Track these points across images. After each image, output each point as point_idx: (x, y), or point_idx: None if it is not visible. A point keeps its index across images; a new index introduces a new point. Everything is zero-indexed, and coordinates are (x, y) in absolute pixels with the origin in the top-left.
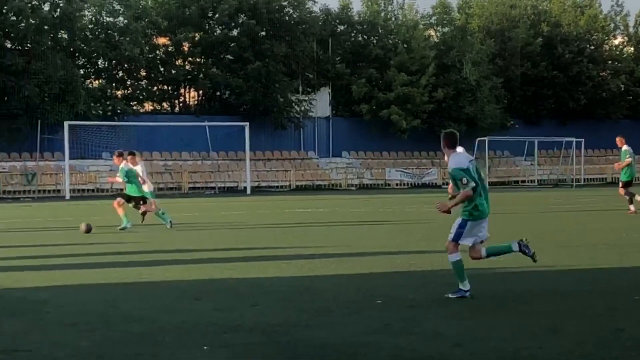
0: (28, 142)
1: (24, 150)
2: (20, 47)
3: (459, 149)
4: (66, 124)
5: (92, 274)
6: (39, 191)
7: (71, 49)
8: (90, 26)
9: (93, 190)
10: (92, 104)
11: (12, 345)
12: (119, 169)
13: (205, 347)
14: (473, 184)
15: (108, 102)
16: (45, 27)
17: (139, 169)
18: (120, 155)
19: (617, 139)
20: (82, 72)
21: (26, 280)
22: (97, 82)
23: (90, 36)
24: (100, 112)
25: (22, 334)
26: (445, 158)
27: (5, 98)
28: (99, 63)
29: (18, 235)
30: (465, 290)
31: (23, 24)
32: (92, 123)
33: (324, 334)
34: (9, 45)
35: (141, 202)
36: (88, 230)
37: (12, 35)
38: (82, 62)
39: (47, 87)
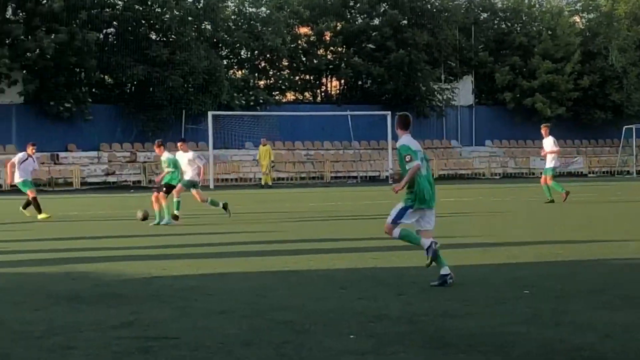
0: (172, 132)
1: (168, 140)
2: (164, 39)
3: (410, 137)
4: (210, 114)
5: (238, 263)
6: None
7: (214, 40)
8: (233, 17)
9: (236, 180)
10: (235, 94)
11: (161, 332)
12: (166, 159)
13: (351, 336)
14: (417, 162)
15: (251, 92)
16: (189, 18)
17: (190, 155)
18: (161, 145)
19: None
20: (225, 63)
21: (174, 269)
22: (240, 72)
23: (233, 27)
24: (243, 102)
25: (170, 321)
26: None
27: (151, 89)
28: (242, 53)
29: (163, 224)
30: (445, 275)
31: (167, 16)
32: (235, 113)
33: (471, 324)
34: (153, 37)
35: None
36: (145, 217)
37: (156, 26)
38: (225, 52)
39: (191, 77)
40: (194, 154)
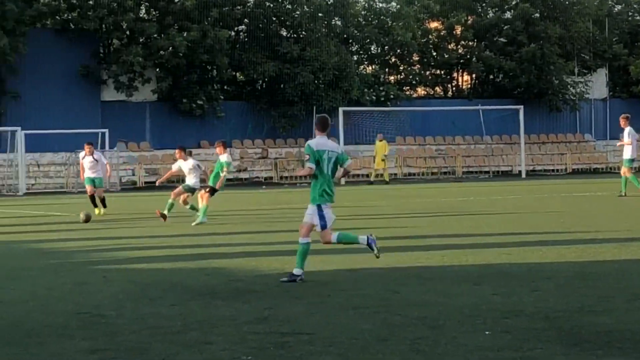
0: (303, 128)
1: (299, 136)
2: (295, 35)
3: (322, 137)
4: (341, 110)
5: (371, 259)
6: None
7: (344, 36)
8: (363, 12)
9: (367, 175)
10: (365, 90)
11: (295, 328)
12: (223, 162)
13: (487, 332)
14: (311, 165)
15: (381, 88)
16: (320, 14)
17: (190, 163)
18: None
19: None
20: (355, 58)
21: (306, 264)
22: (370, 67)
23: (363, 22)
24: (374, 97)
25: (304, 317)
26: None
27: (282, 85)
28: (372, 49)
29: (295, 220)
30: (297, 275)
31: (298, 12)
32: (365, 109)
33: (608, 321)
34: (284, 33)
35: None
36: (87, 219)
37: (287, 23)
38: (355, 48)
39: (322, 73)
40: (194, 162)
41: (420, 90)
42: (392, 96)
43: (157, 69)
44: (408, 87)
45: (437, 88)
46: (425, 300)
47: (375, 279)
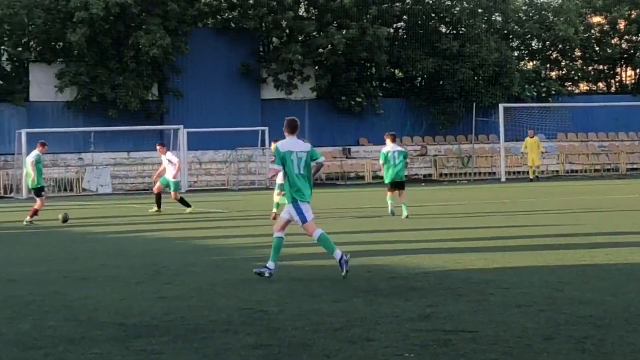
0: (463, 125)
1: (458, 133)
2: (454, 31)
3: (292, 138)
4: (501, 106)
5: (533, 256)
6: (474, 173)
7: (504, 31)
8: (523, 7)
9: (527, 173)
10: (526, 86)
11: (458, 326)
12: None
13: None
14: (275, 166)
15: (542, 84)
16: (479, 10)
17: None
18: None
19: None
20: (515, 54)
21: (468, 262)
22: (530, 63)
23: (523, 17)
24: (534, 93)
25: (467, 315)
26: None
27: (441, 82)
28: (533, 44)
29: (457, 217)
30: (270, 269)
31: (457, 8)
32: (526, 105)
33: None
34: (443, 30)
35: None
36: (64, 220)
37: (446, 19)
38: (515, 44)
39: (481, 70)
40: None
41: (583, 86)
42: (553, 92)
43: (316, 67)
44: (570, 83)
45: (599, 83)
46: (590, 299)
47: (538, 277)
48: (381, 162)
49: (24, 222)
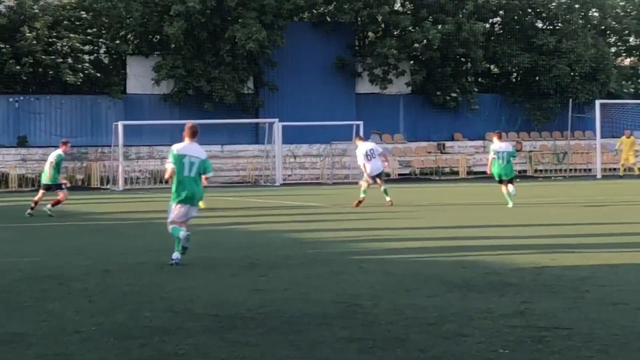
0: (558, 121)
1: (554, 129)
2: (550, 27)
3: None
4: (597, 102)
5: (630, 254)
6: (570, 170)
7: (602, 27)
8: (621, 3)
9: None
10: (623, 82)
11: (553, 323)
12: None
13: None
14: (169, 165)
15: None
16: (576, 5)
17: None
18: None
19: None
20: (612, 50)
21: (564, 259)
22: (628, 60)
23: (621, 13)
24: (632, 90)
25: (562, 312)
26: None
27: (537, 77)
28: (630, 40)
29: (550, 214)
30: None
31: (554, 4)
32: (622, 101)
33: None
34: (539, 25)
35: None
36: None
37: (543, 15)
38: (612, 40)
39: (578, 66)
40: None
41: None
42: None
43: (411, 62)
44: None
45: None
46: None
47: (635, 274)
48: (492, 156)
49: (47, 211)
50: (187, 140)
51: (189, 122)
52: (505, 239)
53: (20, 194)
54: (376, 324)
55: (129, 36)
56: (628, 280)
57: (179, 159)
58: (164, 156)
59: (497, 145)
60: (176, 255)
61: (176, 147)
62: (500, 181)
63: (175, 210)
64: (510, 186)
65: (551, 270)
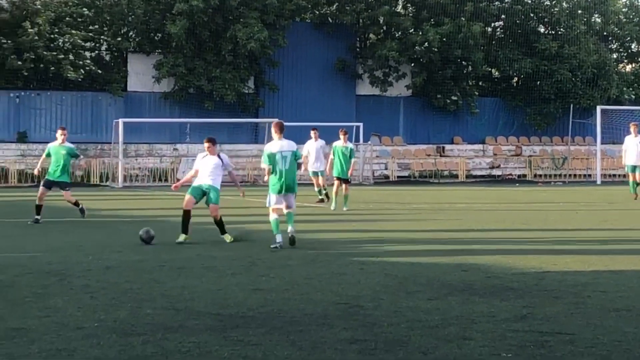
0: (558, 126)
1: (554, 134)
2: (553, 32)
3: (277, 139)
4: (599, 108)
5: (629, 260)
6: (569, 175)
7: (604, 33)
8: (623, 10)
9: (623, 176)
10: (624, 89)
11: (555, 328)
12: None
13: None
14: (264, 165)
15: None
16: (579, 11)
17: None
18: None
19: None
20: (614, 57)
21: (565, 264)
22: (629, 66)
23: (623, 20)
24: (633, 96)
25: (564, 317)
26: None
27: (538, 82)
28: (632, 47)
29: (551, 218)
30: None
31: (557, 9)
32: (624, 108)
33: None
34: (542, 30)
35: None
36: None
37: (545, 19)
38: (614, 46)
39: (579, 71)
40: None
41: None
42: None
43: (412, 64)
44: None
45: None
46: None
47: (637, 281)
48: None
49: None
50: (276, 137)
51: (274, 120)
52: (506, 243)
53: (20, 189)
54: (377, 325)
55: (130, 33)
56: (630, 287)
57: (273, 157)
58: (164, 154)
59: None
60: (291, 228)
61: (268, 148)
62: None
63: (274, 199)
64: None
65: (552, 275)
